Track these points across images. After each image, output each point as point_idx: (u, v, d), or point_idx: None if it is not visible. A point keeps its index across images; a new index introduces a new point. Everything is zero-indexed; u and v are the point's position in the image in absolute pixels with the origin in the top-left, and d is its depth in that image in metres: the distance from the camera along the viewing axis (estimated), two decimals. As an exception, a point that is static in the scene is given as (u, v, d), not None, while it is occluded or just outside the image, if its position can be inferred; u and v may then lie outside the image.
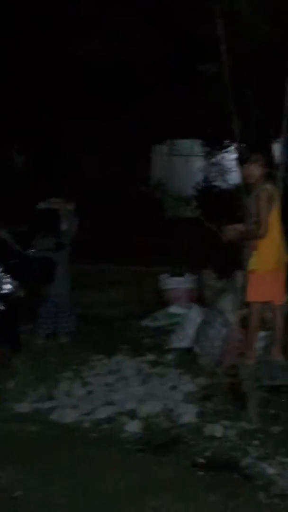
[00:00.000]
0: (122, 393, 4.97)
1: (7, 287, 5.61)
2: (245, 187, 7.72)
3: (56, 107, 12.86)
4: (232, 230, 5.19)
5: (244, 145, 7.68)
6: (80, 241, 6.50)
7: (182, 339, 5.91)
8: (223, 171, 12.35)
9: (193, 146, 15.66)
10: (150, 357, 5.76)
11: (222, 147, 13.57)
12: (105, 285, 7.73)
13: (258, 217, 4.88)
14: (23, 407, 4.77)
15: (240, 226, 5.27)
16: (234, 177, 11.10)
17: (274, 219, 4.94)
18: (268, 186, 5.00)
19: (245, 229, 5.14)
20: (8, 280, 5.62)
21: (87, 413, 4.67)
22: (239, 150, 8.00)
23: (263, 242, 4.91)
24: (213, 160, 13.87)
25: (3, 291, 5.60)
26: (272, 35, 6.82)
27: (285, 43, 6.92)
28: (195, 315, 5.97)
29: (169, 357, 5.76)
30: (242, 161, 5.31)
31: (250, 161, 5.06)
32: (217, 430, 4.32)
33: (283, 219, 5.10)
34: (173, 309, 6.69)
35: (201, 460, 3.98)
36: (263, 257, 4.92)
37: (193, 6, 7.20)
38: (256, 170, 5.01)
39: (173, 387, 5.07)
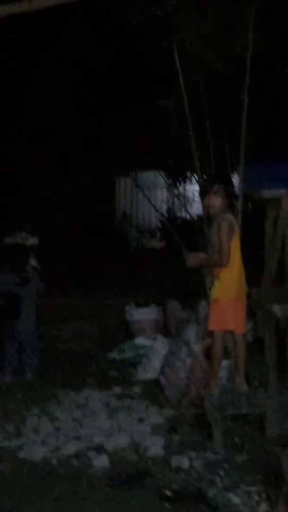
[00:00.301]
0: (90, 428, 4.99)
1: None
2: (206, 217, 7.91)
3: (14, 139, 12.91)
4: (194, 258, 5.30)
5: (205, 176, 7.88)
6: (45, 273, 6.53)
7: (148, 371, 5.97)
8: (185, 202, 12.54)
9: (156, 177, 15.89)
10: (117, 389, 5.80)
11: (184, 178, 13.81)
12: (70, 318, 7.74)
13: (219, 246, 5.02)
14: (-10, 446, 4.75)
15: (202, 254, 5.40)
16: (196, 207, 11.29)
17: (234, 248, 5.07)
18: (229, 216, 5.14)
19: (206, 258, 5.25)
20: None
21: (55, 449, 4.68)
22: (200, 182, 8.20)
23: (224, 271, 5.02)
24: (176, 191, 14.07)
25: None
26: (225, 71, 7.05)
27: (238, 77, 7.17)
28: (160, 346, 6.03)
29: (136, 389, 5.80)
30: (203, 192, 5.45)
31: (210, 192, 5.20)
32: (183, 461, 4.38)
33: (242, 249, 5.24)
34: (139, 340, 6.73)
35: (168, 493, 4.03)
36: (224, 286, 5.03)
37: (151, 41, 7.40)
38: (216, 201, 5.15)
39: (140, 420, 5.11)
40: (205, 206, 5.64)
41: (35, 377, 6.17)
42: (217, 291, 5.06)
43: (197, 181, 8.55)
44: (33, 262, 6.65)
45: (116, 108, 9.24)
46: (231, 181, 5.82)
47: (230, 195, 5.33)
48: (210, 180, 5.64)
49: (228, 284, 5.03)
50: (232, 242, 5.05)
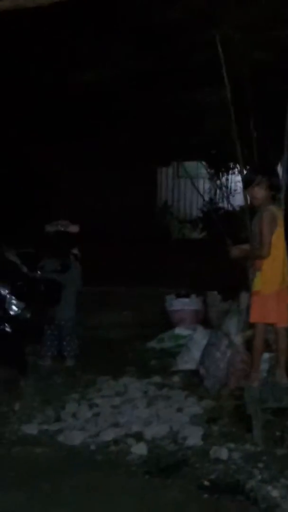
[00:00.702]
0: (128, 415, 5.00)
1: (14, 309, 5.65)
2: (249, 209, 7.83)
3: (56, 133, 13.02)
4: (237, 250, 5.26)
5: (248, 167, 7.78)
6: (86, 263, 6.56)
7: (187, 361, 5.94)
8: (228, 193, 12.43)
9: (199, 168, 15.79)
10: (156, 379, 5.79)
11: (227, 169, 13.68)
12: (111, 307, 7.78)
13: (260, 237, 4.96)
14: (30, 429, 4.81)
15: (245, 246, 5.36)
16: (239, 199, 11.18)
17: (277, 240, 4.99)
18: (272, 208, 5.07)
19: (249, 249, 5.21)
20: (15, 302, 5.67)
21: (94, 435, 4.70)
22: (242, 173, 8.10)
23: (266, 263, 4.97)
24: (218, 182, 13.96)
25: (10, 313, 5.64)
26: (266, 60, 6.95)
27: (280, 67, 7.05)
28: (200, 337, 6.00)
29: (175, 379, 5.79)
30: (246, 183, 5.38)
31: (254, 184, 5.13)
32: (222, 452, 4.34)
33: (287, 241, 5.16)
34: (179, 331, 6.72)
35: (206, 483, 4.00)
36: (266, 278, 4.98)
37: (189, 33, 7.33)
38: (259, 192, 5.08)
39: (179, 409, 5.09)
40: (248, 197, 5.58)
41: (74, 364, 6.22)
42: (259, 283, 5.01)
43: (240, 172, 8.45)
44: (74, 250, 6.69)
45: (157, 99, 9.20)
46: (276, 173, 5.70)
47: (274, 187, 5.23)
48: (254, 171, 5.55)
49: (270, 276, 4.97)
50: (275, 235, 4.97)
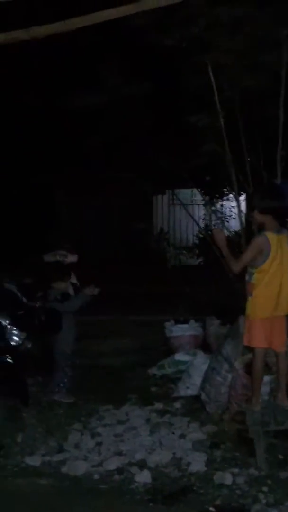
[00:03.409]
0: (131, 443, 5.00)
1: (15, 339, 5.66)
2: (245, 234, 7.89)
3: (50, 161, 13.18)
4: (220, 237, 5.14)
5: (242, 192, 7.87)
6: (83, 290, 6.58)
7: (188, 387, 5.94)
8: (223, 219, 12.52)
9: (193, 195, 15.94)
10: (158, 406, 5.79)
11: (221, 195, 13.81)
12: (110, 334, 7.79)
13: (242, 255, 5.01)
14: (33, 460, 4.80)
15: (225, 243, 5.13)
16: (234, 224, 11.27)
17: (273, 268, 4.88)
18: (268, 234, 4.88)
19: (228, 255, 5.04)
20: (16, 332, 5.68)
21: (97, 464, 4.70)
22: (237, 199, 8.21)
23: (257, 289, 4.92)
24: (213, 208, 14.08)
25: (11, 343, 5.65)
26: (257, 85, 7.08)
27: (271, 92, 7.18)
28: (200, 362, 6.01)
29: (177, 405, 5.79)
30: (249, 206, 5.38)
31: (252, 208, 5.15)
32: (226, 477, 4.35)
33: None
34: (179, 356, 6.71)
35: (212, 509, 4.01)
36: (256, 304, 4.94)
37: (182, 59, 7.48)
38: (256, 216, 5.08)
39: (182, 436, 5.09)
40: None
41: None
42: (249, 307, 4.99)
43: (235, 198, 8.54)
44: (72, 279, 6.73)
45: (152, 127, 9.34)
46: (282, 198, 5.44)
47: (277, 212, 5.10)
48: (254, 194, 5.54)
49: (260, 304, 4.92)
50: (270, 262, 4.84)
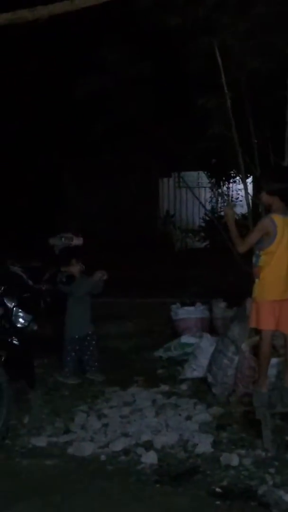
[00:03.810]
0: (138, 425, 5.01)
1: (21, 321, 5.66)
2: (251, 216, 7.84)
3: (56, 144, 13.13)
4: (230, 214, 5.15)
5: (258, 174, 7.78)
6: (90, 274, 6.57)
7: (195, 369, 5.95)
8: (229, 201, 12.45)
9: (200, 177, 15.83)
10: (164, 387, 5.80)
11: (228, 178, 13.72)
12: (117, 317, 7.78)
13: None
14: (40, 441, 4.81)
15: (234, 221, 5.14)
16: (241, 207, 11.20)
17: (280, 250, 4.87)
18: (274, 216, 4.86)
19: (234, 235, 5.03)
20: (22, 314, 5.68)
21: (104, 445, 4.71)
22: (244, 181, 8.14)
23: (265, 272, 4.91)
24: (219, 190, 14.00)
25: (17, 325, 5.65)
26: (264, 67, 6.98)
27: (279, 73, 7.09)
28: (207, 345, 6.01)
29: (183, 387, 5.79)
30: (256, 188, 5.36)
31: (259, 190, 5.12)
32: (233, 459, 4.35)
33: None
34: (185, 339, 6.72)
35: (218, 490, 4.01)
36: (264, 286, 4.93)
37: (188, 40, 7.38)
38: (263, 197, 5.06)
39: (188, 417, 5.10)
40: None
41: (102, 378, 6.16)
42: (256, 290, 4.98)
43: (242, 180, 8.48)
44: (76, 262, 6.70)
45: (158, 110, 9.27)
46: (285, 177, 5.38)
47: (284, 192, 5.04)
48: (261, 177, 5.50)
49: (267, 286, 4.91)
50: (277, 244, 4.83)
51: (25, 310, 5.66)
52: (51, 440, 4.84)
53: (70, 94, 9.45)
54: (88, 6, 4.77)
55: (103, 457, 4.55)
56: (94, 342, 6.29)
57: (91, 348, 6.27)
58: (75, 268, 6.36)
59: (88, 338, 6.28)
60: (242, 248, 4.99)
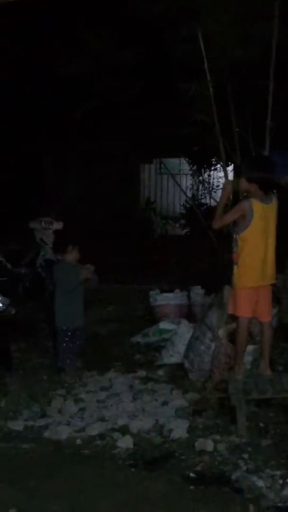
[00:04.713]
0: (114, 409, 5.03)
1: (-1, 305, 5.63)
2: (231, 203, 7.87)
3: (37, 129, 13.02)
4: (229, 188, 5.21)
5: (239, 162, 7.80)
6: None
7: (172, 355, 5.97)
8: (210, 189, 12.48)
9: (181, 164, 15.84)
10: (142, 373, 5.82)
11: (209, 165, 13.74)
12: (95, 303, 7.78)
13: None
14: (16, 425, 4.81)
15: (226, 196, 5.23)
16: (220, 194, 11.24)
17: (254, 236, 4.88)
18: (252, 201, 4.85)
19: (218, 211, 5.07)
20: (0, 298, 5.65)
21: (80, 429, 4.73)
22: (225, 169, 8.16)
23: (242, 257, 4.92)
24: (201, 178, 14.02)
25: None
26: (247, 56, 6.98)
27: (263, 63, 7.10)
28: (184, 331, 6.03)
29: (160, 373, 5.82)
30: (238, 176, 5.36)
31: (238, 175, 5.13)
32: (207, 444, 4.39)
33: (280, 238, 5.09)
34: (163, 325, 6.74)
35: (193, 475, 4.05)
36: (240, 273, 4.96)
37: (173, 26, 7.35)
38: (241, 183, 5.06)
39: (164, 403, 5.14)
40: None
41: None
42: (234, 276, 5.01)
43: (222, 168, 8.50)
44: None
45: (140, 95, 9.22)
46: (268, 167, 5.36)
47: (262, 181, 5.05)
48: (242, 163, 5.52)
49: (245, 273, 4.93)
50: (251, 230, 4.85)
51: (2, 294, 5.64)
52: (27, 424, 4.84)
53: (52, 77, 9.37)
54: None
55: (79, 441, 4.57)
56: (81, 342, 5.95)
57: (77, 342, 5.90)
58: (71, 256, 5.93)
59: (77, 332, 5.89)
60: (216, 224, 5.07)
